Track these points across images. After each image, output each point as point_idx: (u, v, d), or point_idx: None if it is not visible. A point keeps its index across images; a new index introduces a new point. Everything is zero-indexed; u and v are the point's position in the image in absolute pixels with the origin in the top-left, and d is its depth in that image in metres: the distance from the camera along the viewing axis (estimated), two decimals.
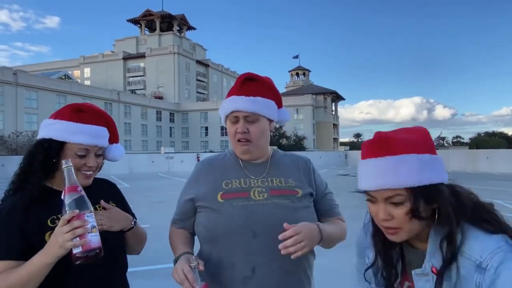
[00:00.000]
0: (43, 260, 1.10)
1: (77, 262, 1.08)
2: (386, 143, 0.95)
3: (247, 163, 1.41)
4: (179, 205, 1.47)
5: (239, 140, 1.34)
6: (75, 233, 1.05)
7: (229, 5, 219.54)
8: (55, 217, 1.24)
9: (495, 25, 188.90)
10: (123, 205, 1.50)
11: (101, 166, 1.46)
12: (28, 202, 1.23)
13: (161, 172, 25.03)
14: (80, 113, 1.32)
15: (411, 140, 0.95)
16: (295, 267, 1.31)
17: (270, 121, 1.40)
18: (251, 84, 1.36)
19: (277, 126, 1.47)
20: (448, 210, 0.92)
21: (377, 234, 1.04)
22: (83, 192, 1.12)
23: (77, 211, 1.08)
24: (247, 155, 1.38)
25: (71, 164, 1.14)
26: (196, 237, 1.46)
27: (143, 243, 1.55)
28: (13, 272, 1.12)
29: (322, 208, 1.45)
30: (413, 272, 0.97)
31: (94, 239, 1.09)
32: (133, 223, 1.40)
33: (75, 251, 1.07)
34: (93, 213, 1.12)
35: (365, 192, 0.98)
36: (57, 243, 1.07)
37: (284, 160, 1.47)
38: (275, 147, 1.48)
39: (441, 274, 0.91)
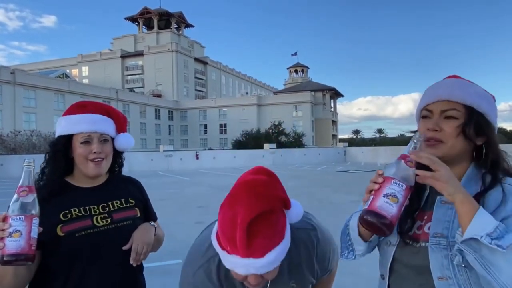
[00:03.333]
0: None
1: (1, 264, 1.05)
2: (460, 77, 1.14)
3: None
4: None
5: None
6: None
7: (227, 2, 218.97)
8: (67, 211, 1.31)
9: (493, 23, 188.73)
10: (145, 204, 1.53)
11: (122, 162, 1.53)
12: (47, 197, 1.27)
13: (160, 170, 24.97)
14: (82, 107, 1.41)
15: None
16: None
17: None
18: (260, 238, 0.92)
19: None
20: (496, 144, 1.07)
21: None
22: (23, 194, 1.07)
23: (3, 213, 1.05)
24: None
25: (32, 164, 1.11)
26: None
27: (161, 243, 1.57)
28: None
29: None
30: (437, 198, 1.05)
31: (11, 245, 1.03)
32: (155, 230, 1.45)
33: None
34: (23, 217, 1.05)
35: (424, 108, 1.10)
36: None
37: (285, 259, 1.03)
38: None
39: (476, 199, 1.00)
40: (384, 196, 0.93)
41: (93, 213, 1.35)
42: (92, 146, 1.35)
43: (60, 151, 1.35)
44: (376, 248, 1.20)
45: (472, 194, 0.99)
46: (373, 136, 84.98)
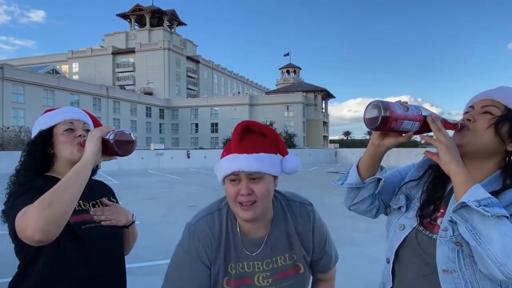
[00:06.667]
0: (81, 161, 1.19)
1: (115, 144, 1.20)
2: None
3: (245, 238, 1.23)
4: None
5: (242, 204, 1.14)
6: (102, 129, 1.23)
7: (220, 1, 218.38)
8: None
9: (480, 25, 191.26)
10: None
11: (99, 165, 1.50)
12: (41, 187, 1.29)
13: (151, 169, 24.81)
14: (58, 109, 1.45)
15: None
16: None
17: (275, 177, 1.21)
18: (252, 138, 1.17)
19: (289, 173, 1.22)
20: None
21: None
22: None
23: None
24: (251, 220, 1.18)
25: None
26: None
27: (135, 242, 1.60)
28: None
29: (316, 267, 1.34)
30: (454, 194, 1.04)
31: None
32: (134, 217, 1.49)
33: (108, 136, 1.21)
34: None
35: (470, 106, 1.14)
36: (88, 142, 1.21)
37: (284, 226, 1.26)
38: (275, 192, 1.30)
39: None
40: (398, 102, 1.03)
41: (86, 208, 1.37)
42: (76, 132, 1.36)
43: (39, 145, 1.34)
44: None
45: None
46: (364, 138, 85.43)
